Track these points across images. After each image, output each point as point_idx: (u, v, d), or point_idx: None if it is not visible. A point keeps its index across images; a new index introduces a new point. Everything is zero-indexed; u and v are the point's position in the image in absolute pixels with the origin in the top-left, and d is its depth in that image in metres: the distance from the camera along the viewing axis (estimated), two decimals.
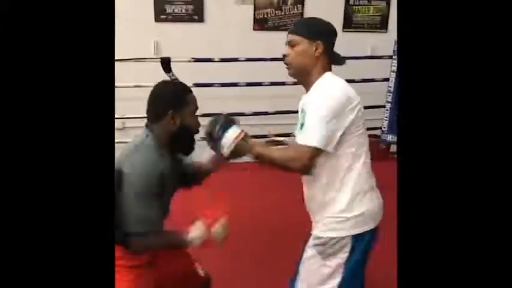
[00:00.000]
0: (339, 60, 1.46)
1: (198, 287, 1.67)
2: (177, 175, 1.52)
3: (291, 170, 1.35)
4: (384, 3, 4.21)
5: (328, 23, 1.46)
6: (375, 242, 1.48)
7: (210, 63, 3.63)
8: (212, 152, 1.44)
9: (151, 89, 1.46)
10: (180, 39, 3.82)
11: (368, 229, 1.43)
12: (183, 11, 3.84)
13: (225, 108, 3.47)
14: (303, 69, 1.42)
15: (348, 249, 1.41)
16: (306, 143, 1.31)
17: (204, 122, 1.46)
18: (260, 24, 4.02)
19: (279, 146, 1.53)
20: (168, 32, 3.83)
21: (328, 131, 1.30)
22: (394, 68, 3.81)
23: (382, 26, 4.27)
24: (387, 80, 3.89)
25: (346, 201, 1.39)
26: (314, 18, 1.49)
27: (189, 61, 3.58)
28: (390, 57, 3.86)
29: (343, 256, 1.42)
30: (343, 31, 4.08)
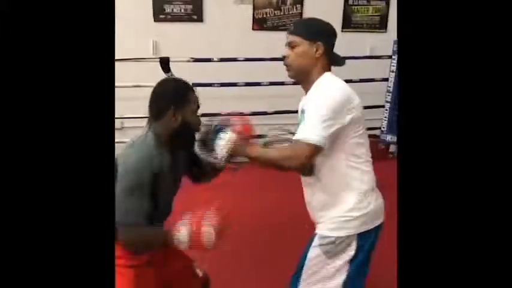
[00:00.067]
0: (339, 61, 1.46)
1: (197, 287, 1.67)
2: (178, 173, 1.52)
3: (288, 168, 1.33)
4: (383, 3, 4.22)
5: (328, 24, 1.45)
6: (377, 239, 1.49)
7: (209, 63, 3.63)
8: (208, 160, 1.41)
9: (153, 87, 1.46)
10: (179, 39, 3.83)
11: (373, 227, 1.44)
12: (182, 10, 3.84)
13: (224, 108, 3.51)
14: (303, 70, 1.41)
15: (353, 247, 1.41)
16: (303, 141, 1.29)
17: (203, 122, 1.46)
18: (259, 24, 4.02)
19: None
20: (167, 31, 3.84)
21: (326, 130, 1.29)
22: (393, 68, 3.82)
23: (381, 26, 4.28)
24: (386, 80, 3.89)
25: (353, 200, 1.40)
26: (314, 18, 1.48)
27: (188, 61, 3.58)
28: (389, 57, 3.87)
29: (349, 254, 1.42)
30: (342, 31, 4.08)
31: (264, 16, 4.01)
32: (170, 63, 3.48)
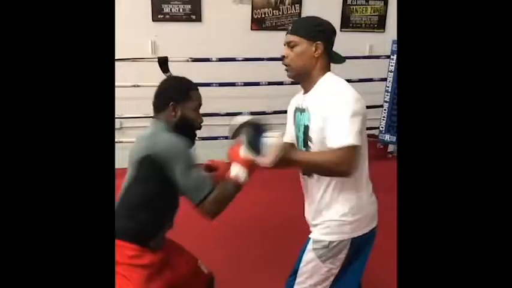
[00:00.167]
0: (339, 59, 1.44)
1: (202, 284, 1.69)
2: None
3: (339, 174, 1.31)
4: (381, 3, 4.22)
5: (327, 22, 1.43)
6: (373, 242, 1.49)
7: (208, 62, 3.63)
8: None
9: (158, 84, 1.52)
10: (177, 39, 3.82)
11: (367, 231, 1.44)
12: (181, 10, 3.83)
13: (224, 108, 3.50)
14: (303, 70, 1.40)
15: (347, 251, 1.41)
16: (343, 145, 1.24)
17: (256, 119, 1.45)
18: (258, 24, 4.02)
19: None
20: (166, 31, 3.83)
21: (358, 127, 1.27)
22: (392, 68, 3.82)
23: (380, 25, 4.28)
24: (385, 79, 3.90)
25: (348, 204, 1.39)
26: (313, 17, 1.46)
27: (187, 61, 3.57)
28: (388, 57, 3.87)
29: (343, 258, 1.42)
30: (341, 31, 4.08)
31: (263, 16, 4.01)
32: (169, 63, 3.48)
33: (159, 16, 3.81)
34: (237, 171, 1.39)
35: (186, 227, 1.64)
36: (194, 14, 3.87)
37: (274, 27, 4.02)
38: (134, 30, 3.68)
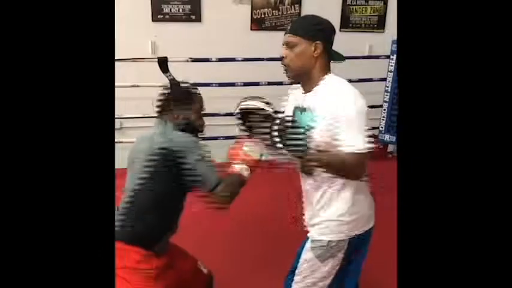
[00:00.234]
0: (339, 57, 1.43)
1: (202, 284, 1.71)
2: None
3: (356, 178, 1.36)
4: (381, 3, 4.22)
5: (326, 21, 1.41)
6: (369, 243, 1.51)
7: (207, 63, 3.63)
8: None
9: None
10: (177, 39, 3.82)
11: (363, 231, 1.45)
12: (180, 10, 3.83)
13: (223, 108, 3.50)
14: (302, 70, 1.39)
15: (344, 251, 1.43)
16: (359, 150, 1.28)
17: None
18: (257, 24, 4.02)
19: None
20: (166, 31, 3.83)
21: (366, 131, 1.31)
22: (392, 68, 3.82)
23: (380, 25, 4.28)
24: (384, 79, 3.90)
25: (346, 204, 1.40)
26: (312, 16, 1.44)
27: (187, 61, 3.57)
28: (387, 57, 3.87)
29: (340, 257, 1.43)
30: (341, 31, 4.08)
31: (262, 16, 4.01)
32: (168, 63, 3.47)
33: (158, 16, 3.81)
34: (239, 168, 1.45)
35: (186, 227, 1.64)
36: (194, 14, 3.87)
37: (274, 28, 4.02)
38: (134, 30, 3.68)
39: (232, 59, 3.67)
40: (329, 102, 1.33)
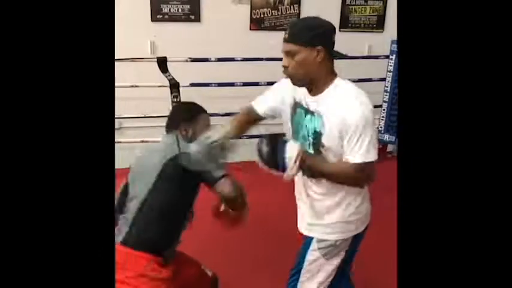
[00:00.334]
0: (340, 55, 1.37)
1: (207, 285, 1.72)
2: None
3: (362, 186, 1.43)
4: (380, 3, 4.23)
5: (325, 23, 1.33)
6: (362, 239, 1.57)
7: (207, 63, 3.63)
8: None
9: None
10: (176, 39, 3.82)
11: (363, 228, 1.52)
12: (180, 10, 3.83)
13: (223, 108, 3.50)
14: (308, 77, 1.32)
15: (347, 248, 1.49)
16: (366, 161, 1.29)
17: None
18: (257, 24, 4.02)
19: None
20: (165, 31, 3.83)
21: (376, 142, 1.32)
22: (391, 68, 3.82)
23: (379, 25, 4.29)
24: (384, 79, 3.90)
25: (354, 204, 1.44)
26: (309, 19, 1.37)
27: (186, 61, 3.57)
28: (387, 57, 3.87)
29: (343, 254, 1.49)
30: (340, 31, 4.08)
31: (262, 16, 4.01)
32: (168, 63, 3.47)
33: (158, 16, 3.81)
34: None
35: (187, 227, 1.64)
36: (193, 14, 3.87)
37: (273, 28, 4.02)
38: (133, 30, 3.68)
39: (232, 59, 3.67)
40: (338, 109, 1.29)
